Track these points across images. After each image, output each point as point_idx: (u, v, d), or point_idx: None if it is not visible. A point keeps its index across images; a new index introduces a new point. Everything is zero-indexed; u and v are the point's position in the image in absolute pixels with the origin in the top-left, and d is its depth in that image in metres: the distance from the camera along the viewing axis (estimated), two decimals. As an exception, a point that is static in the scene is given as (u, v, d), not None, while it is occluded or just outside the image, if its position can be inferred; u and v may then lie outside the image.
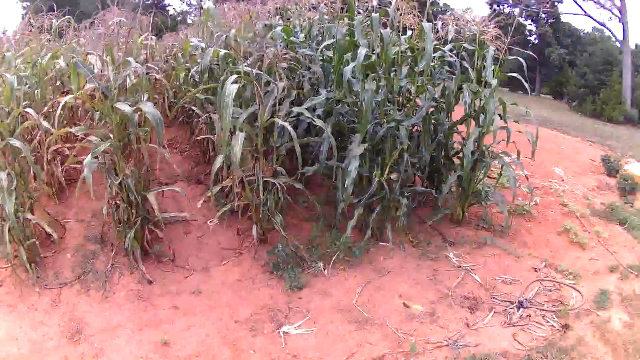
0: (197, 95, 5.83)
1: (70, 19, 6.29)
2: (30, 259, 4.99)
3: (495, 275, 5.60)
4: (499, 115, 5.80)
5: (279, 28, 5.83)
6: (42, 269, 5.12)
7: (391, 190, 5.48)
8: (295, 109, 5.13)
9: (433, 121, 5.96)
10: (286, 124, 4.94)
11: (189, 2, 40.84)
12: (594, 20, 34.00)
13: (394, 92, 5.33)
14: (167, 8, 37.78)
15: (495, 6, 32.33)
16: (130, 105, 4.60)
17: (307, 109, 5.24)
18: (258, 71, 5.08)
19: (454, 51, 5.99)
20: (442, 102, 6.03)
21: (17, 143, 4.62)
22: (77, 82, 4.70)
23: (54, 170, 5.85)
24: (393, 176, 5.44)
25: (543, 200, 7.21)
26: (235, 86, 4.78)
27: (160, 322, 4.64)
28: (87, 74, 4.66)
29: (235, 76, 4.86)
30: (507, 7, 33.75)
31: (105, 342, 4.36)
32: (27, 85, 5.60)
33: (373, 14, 5.10)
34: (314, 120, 5.04)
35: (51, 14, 6.80)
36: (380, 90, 5.29)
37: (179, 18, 35.78)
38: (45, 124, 5.12)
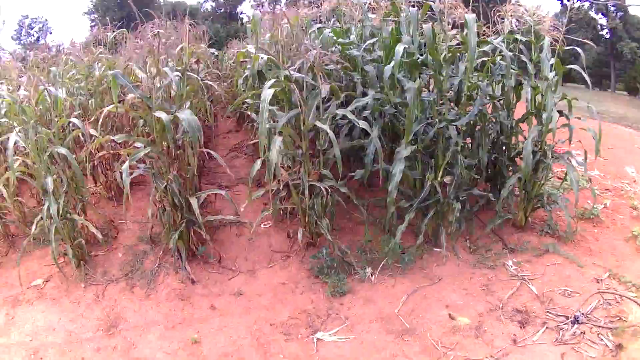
0: (247, 100, 5.43)
1: (125, 31, 6.05)
2: (79, 257, 4.98)
3: (554, 286, 4.80)
4: (560, 112, 4.99)
5: (327, 30, 5.32)
6: (91, 267, 5.06)
7: (444, 194, 4.82)
8: (340, 112, 4.58)
9: (493, 120, 5.25)
10: (326, 127, 4.39)
11: (261, 9, 40.74)
12: None
13: (444, 90, 4.65)
14: (241, 16, 37.61)
15: (565, 1, 30.18)
16: (170, 113, 4.36)
17: (352, 110, 4.69)
18: (299, 74, 4.61)
19: (510, 44, 5.24)
20: (502, 99, 5.28)
21: (62, 150, 4.51)
22: (116, 92, 4.54)
23: (100, 174, 5.88)
24: (446, 179, 4.76)
25: (613, 203, 6.25)
26: (271, 91, 4.33)
27: (195, 321, 4.37)
28: (126, 84, 4.48)
29: (272, 81, 4.41)
30: (577, 1, 31.19)
31: (139, 337, 4.19)
32: (83, 96, 5.51)
33: (411, 9, 4.45)
34: (357, 123, 4.46)
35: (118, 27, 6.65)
36: (431, 89, 4.67)
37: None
38: (93, 131, 4.98)
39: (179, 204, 4.81)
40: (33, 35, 44.29)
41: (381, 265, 4.89)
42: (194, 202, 4.75)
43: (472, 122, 4.96)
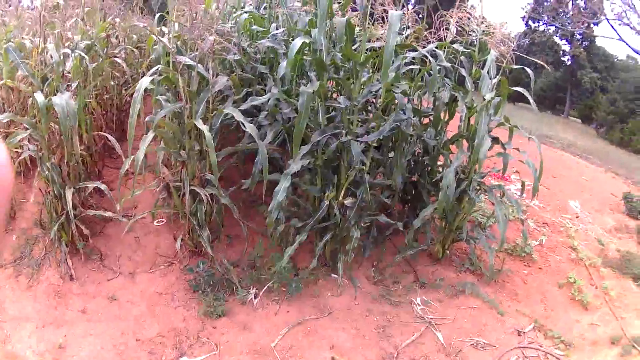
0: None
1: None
2: None
3: (466, 335, 3.50)
4: (496, 139, 3.65)
5: (244, 15, 3.98)
6: None
7: (344, 218, 3.53)
8: (227, 110, 3.27)
9: (419, 138, 3.89)
10: (204, 127, 3.10)
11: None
12: (629, 46, 28.32)
13: (354, 99, 3.29)
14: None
15: (530, 22, 27.09)
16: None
17: (249, 109, 3.40)
18: (191, 63, 3.30)
19: (449, 54, 3.89)
20: (430, 115, 3.91)
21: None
22: (7, 67, 3.44)
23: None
24: (347, 201, 3.44)
25: (550, 240, 4.84)
26: (148, 79, 3.07)
27: (65, 323, 3.34)
28: (15, 59, 3.28)
29: (156, 68, 3.16)
30: (543, 24, 27.88)
31: (14, 330, 3.31)
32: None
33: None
34: (244, 125, 3.17)
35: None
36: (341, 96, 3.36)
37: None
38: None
39: (59, 194, 3.59)
40: None
41: (264, 289, 3.58)
42: (68, 194, 3.50)
43: (392, 137, 3.63)
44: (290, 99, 3.44)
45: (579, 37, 27.30)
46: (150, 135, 3.12)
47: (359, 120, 3.41)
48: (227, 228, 3.85)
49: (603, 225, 5.44)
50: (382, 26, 4.06)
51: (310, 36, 3.18)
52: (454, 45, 3.71)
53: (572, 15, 24.78)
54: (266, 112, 3.48)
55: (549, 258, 4.57)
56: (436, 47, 3.64)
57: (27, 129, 3.41)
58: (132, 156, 3.19)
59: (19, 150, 3.66)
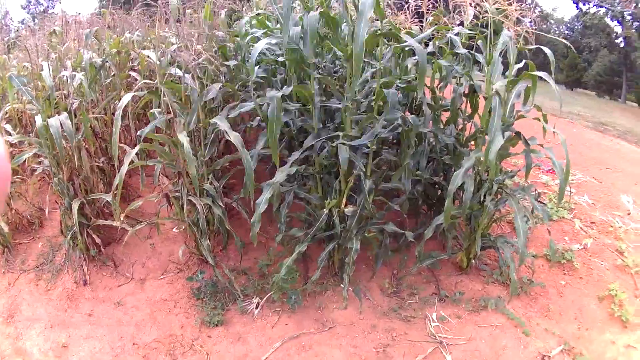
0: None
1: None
2: (3, 244, 3.66)
3: (480, 358, 2.64)
4: (518, 134, 2.70)
5: (245, 18, 3.32)
6: (14, 255, 3.66)
7: (345, 228, 2.79)
8: (214, 120, 2.64)
9: (432, 136, 3.02)
10: (184, 140, 2.51)
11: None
12: None
13: (347, 99, 2.51)
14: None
15: (581, 4, 23.31)
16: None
17: (238, 117, 2.77)
18: (178, 73, 2.73)
19: (465, 39, 2.96)
20: (447, 109, 3.01)
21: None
22: (11, 94, 3.10)
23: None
24: (347, 210, 2.69)
25: (596, 243, 3.67)
26: (129, 95, 2.59)
27: (71, 325, 3.03)
28: (19, 86, 2.99)
29: (140, 83, 2.65)
30: (593, 5, 23.70)
31: (25, 329, 3.05)
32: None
33: None
34: (228, 135, 2.53)
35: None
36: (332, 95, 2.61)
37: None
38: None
39: (69, 206, 3.24)
40: (42, 4, 32.09)
41: (264, 299, 2.94)
42: (74, 206, 3.11)
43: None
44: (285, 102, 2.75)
45: (629, 17, 22.80)
46: (134, 150, 2.61)
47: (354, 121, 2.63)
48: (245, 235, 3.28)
49: (658, 222, 4.15)
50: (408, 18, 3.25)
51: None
52: (456, 29, 2.77)
53: (620, -7, 20.96)
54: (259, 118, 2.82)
55: (592, 265, 3.46)
56: (434, 32, 2.74)
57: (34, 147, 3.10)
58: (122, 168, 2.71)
59: (37, 166, 3.36)
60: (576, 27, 28.43)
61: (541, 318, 2.98)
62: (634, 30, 22.80)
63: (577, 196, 4.11)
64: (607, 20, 24.06)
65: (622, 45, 24.24)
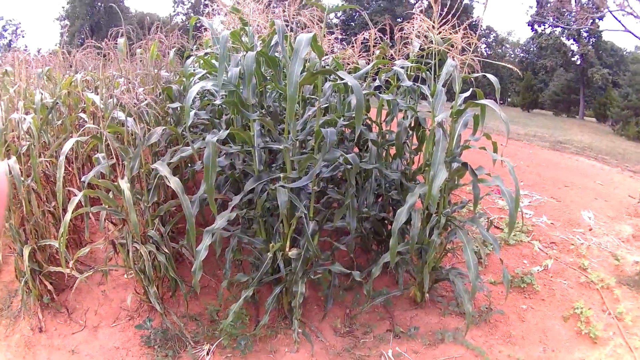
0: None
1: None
2: None
3: (441, 398, 2.49)
4: (464, 164, 2.55)
5: (191, 58, 3.15)
6: None
7: (291, 271, 2.58)
8: (155, 165, 2.46)
9: (377, 172, 2.83)
10: (124, 186, 2.33)
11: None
12: (635, 35, 23.82)
13: (287, 139, 2.37)
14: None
15: (536, 26, 23.29)
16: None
17: (175, 161, 2.58)
18: (122, 117, 2.55)
19: (409, 71, 2.81)
20: (390, 144, 2.86)
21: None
22: None
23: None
24: (291, 253, 2.50)
25: (558, 263, 3.53)
26: (72, 141, 2.45)
27: None
28: None
29: (83, 128, 2.50)
30: (549, 26, 23.66)
31: None
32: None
33: (223, 32, 2.17)
34: (168, 180, 2.36)
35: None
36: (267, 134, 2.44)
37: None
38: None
39: (20, 252, 3.01)
40: (6, 37, 31.47)
41: (217, 343, 2.71)
42: (25, 252, 2.90)
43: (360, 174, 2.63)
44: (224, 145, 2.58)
45: (585, 34, 22.98)
46: (78, 197, 2.42)
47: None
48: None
49: (619, 234, 4.00)
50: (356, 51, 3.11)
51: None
52: (399, 62, 2.63)
53: (576, 12, 20.77)
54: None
55: (554, 285, 3.31)
56: (377, 66, 2.60)
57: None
58: (65, 219, 2.50)
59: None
60: (532, 49, 28.66)
61: (503, 345, 2.80)
62: (590, 47, 22.90)
63: (535, 217, 3.97)
64: (563, 39, 24.12)
65: (578, 63, 24.26)
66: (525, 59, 29.33)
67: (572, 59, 24.70)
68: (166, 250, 2.67)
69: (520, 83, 24.38)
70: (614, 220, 4.34)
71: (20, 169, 2.84)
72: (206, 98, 3.01)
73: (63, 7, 29.17)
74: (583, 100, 23.85)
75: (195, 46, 3.47)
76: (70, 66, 3.85)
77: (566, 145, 6.83)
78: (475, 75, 2.60)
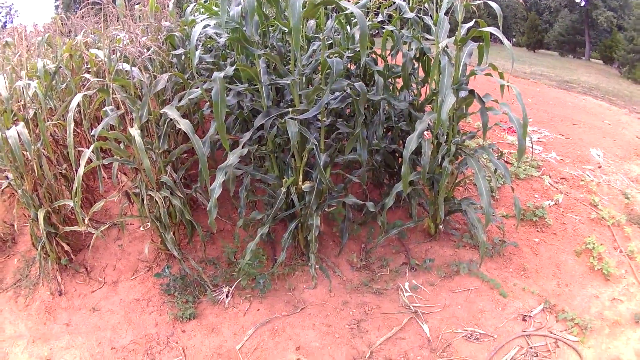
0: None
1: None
2: None
3: (458, 325, 2.48)
4: (472, 92, 2.54)
5: (191, 6, 3.11)
6: None
7: (305, 205, 2.62)
8: (164, 110, 2.47)
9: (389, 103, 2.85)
10: (135, 132, 2.35)
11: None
12: None
13: (293, 73, 2.36)
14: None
15: None
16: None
17: (183, 105, 2.58)
18: (127, 68, 2.56)
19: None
20: (398, 75, 2.83)
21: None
22: None
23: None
24: (304, 186, 2.54)
25: (568, 198, 3.54)
26: (79, 96, 2.45)
27: (52, 337, 2.83)
28: None
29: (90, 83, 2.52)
30: None
31: (9, 348, 2.83)
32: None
33: None
34: (178, 122, 2.37)
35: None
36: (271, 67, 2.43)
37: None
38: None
39: (35, 217, 3.05)
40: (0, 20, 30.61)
41: (233, 286, 2.77)
42: (40, 215, 2.91)
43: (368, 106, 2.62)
44: (231, 85, 2.58)
45: None
46: (89, 150, 2.44)
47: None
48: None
49: (628, 173, 3.98)
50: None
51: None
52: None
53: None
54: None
55: (565, 220, 3.33)
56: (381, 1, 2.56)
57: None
58: (78, 174, 2.53)
59: (2, 181, 3.18)
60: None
61: (518, 278, 2.84)
62: (594, -13, 22.18)
63: (545, 153, 3.95)
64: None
65: (582, 4, 23.45)
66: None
67: (576, 0, 23.83)
68: (180, 195, 2.71)
69: (525, 23, 23.90)
70: (623, 159, 4.32)
71: (28, 134, 2.88)
72: (209, 43, 2.99)
73: (55, -20, 29.63)
74: (589, 42, 23.30)
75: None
76: (70, 32, 3.83)
77: (573, 85, 6.70)
78: (477, 2, 2.56)
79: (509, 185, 2.99)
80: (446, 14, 2.51)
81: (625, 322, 2.52)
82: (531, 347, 2.36)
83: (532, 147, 3.55)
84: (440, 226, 2.95)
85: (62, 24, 3.74)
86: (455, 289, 2.72)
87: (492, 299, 2.64)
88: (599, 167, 4.01)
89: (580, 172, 3.90)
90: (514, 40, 27.23)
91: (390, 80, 2.87)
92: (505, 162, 3.66)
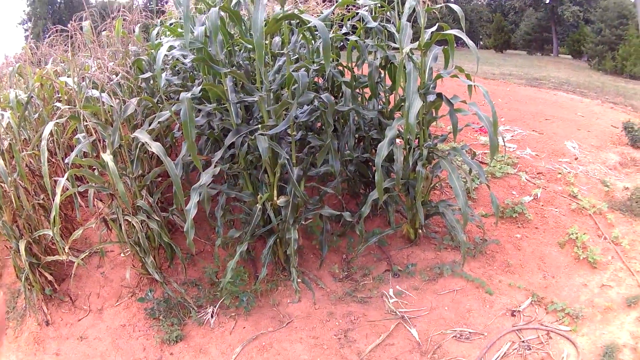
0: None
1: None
2: None
3: (447, 326, 2.49)
4: (439, 95, 2.57)
5: (156, 29, 3.14)
6: None
7: (282, 220, 2.62)
8: (135, 134, 2.48)
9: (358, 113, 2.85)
10: (107, 158, 2.35)
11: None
12: None
13: (260, 89, 2.37)
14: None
15: None
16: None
17: (154, 129, 2.58)
18: (96, 94, 2.56)
19: (376, 10, 2.82)
20: (364, 85, 2.85)
21: None
22: None
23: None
24: (279, 201, 2.55)
25: (547, 192, 3.58)
26: (51, 124, 2.47)
27: None
28: None
29: (60, 111, 2.51)
30: None
31: None
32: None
33: None
34: (149, 146, 2.36)
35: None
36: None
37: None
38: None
39: (16, 247, 3.01)
40: None
41: (217, 306, 2.74)
42: (21, 246, 2.90)
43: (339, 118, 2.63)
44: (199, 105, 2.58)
45: None
46: (64, 178, 2.42)
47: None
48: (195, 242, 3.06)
49: (606, 162, 4.06)
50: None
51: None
52: (360, 1, 2.63)
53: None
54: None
55: (546, 213, 3.36)
56: (343, 12, 2.60)
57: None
58: (55, 202, 2.50)
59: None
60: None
61: (503, 274, 2.85)
62: (557, -16, 22.48)
63: (520, 150, 4.01)
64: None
65: (547, 1, 23.81)
66: (493, 1, 28.92)
67: (541, -3, 24.20)
68: (157, 218, 2.69)
69: (490, 25, 24.22)
70: (599, 149, 4.39)
71: (4, 166, 2.85)
72: (177, 65, 3.00)
73: (24, 11, 29.25)
74: (556, 38, 23.69)
75: (159, 20, 3.45)
76: (40, 61, 3.82)
77: (543, 82, 6.78)
78: (439, 6, 2.61)
79: (485, 185, 3.03)
80: (410, 20, 2.55)
81: (617, 307, 2.54)
82: (523, 341, 2.36)
83: (504, 145, 3.59)
84: (420, 231, 2.96)
85: (32, 53, 3.72)
86: (440, 291, 2.72)
87: (478, 298, 2.65)
88: (576, 158, 4.07)
89: (556, 165, 3.95)
90: (481, 43, 27.58)
91: (358, 90, 2.90)
92: (480, 162, 3.70)
